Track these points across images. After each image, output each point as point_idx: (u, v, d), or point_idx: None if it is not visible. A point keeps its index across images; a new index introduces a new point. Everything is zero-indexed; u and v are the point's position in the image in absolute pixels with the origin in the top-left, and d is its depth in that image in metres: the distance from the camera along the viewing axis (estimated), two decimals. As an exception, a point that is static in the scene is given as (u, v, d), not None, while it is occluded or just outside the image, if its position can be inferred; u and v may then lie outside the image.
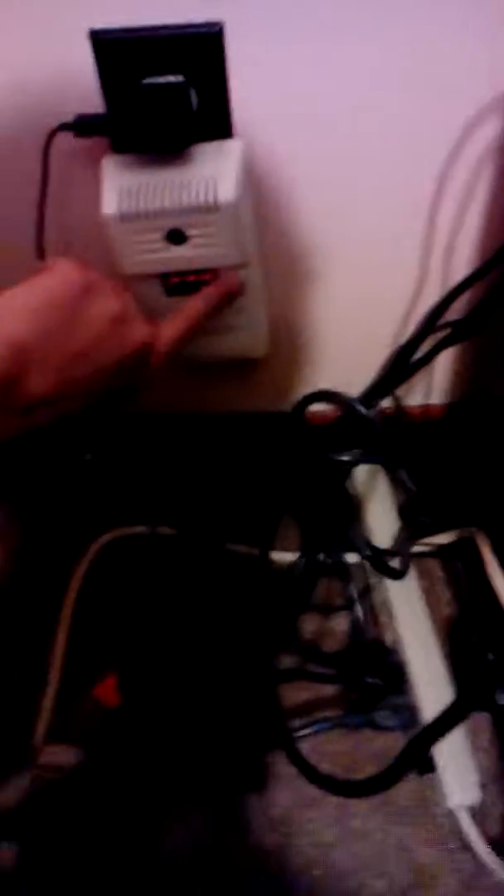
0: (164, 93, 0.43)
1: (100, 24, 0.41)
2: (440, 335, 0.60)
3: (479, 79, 0.45)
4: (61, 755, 0.58)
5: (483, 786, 0.54)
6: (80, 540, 0.70)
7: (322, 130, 0.48)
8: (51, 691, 0.62)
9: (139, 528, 0.71)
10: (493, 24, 0.43)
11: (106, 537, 0.70)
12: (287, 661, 0.63)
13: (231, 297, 0.50)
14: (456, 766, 0.54)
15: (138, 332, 0.42)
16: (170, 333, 0.45)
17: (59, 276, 0.38)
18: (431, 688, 0.57)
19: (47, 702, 0.61)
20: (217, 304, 0.49)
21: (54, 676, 0.62)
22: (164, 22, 0.42)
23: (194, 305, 0.47)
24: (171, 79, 0.43)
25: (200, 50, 0.43)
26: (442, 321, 0.58)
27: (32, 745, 0.59)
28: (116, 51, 0.42)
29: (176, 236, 0.46)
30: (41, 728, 0.60)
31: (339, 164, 0.50)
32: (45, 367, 0.36)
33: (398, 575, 0.55)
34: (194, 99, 0.44)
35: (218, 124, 0.46)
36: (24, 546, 0.72)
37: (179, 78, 0.43)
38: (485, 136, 0.48)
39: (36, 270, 0.39)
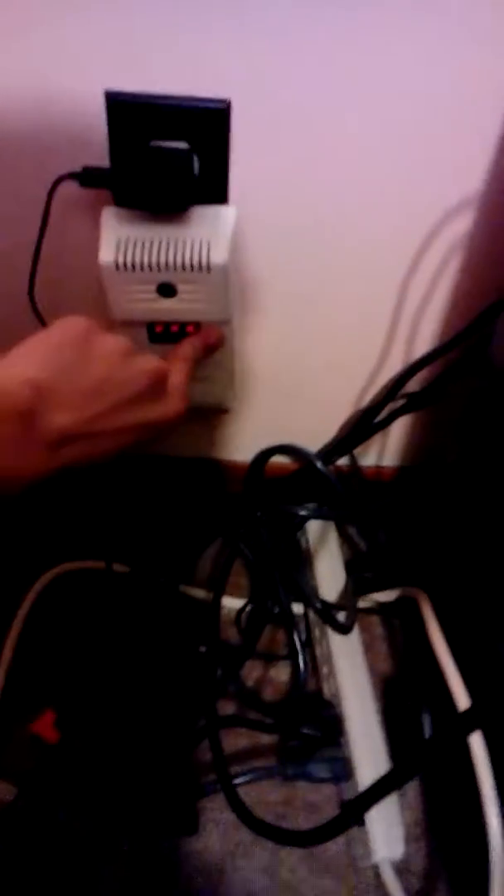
0: (168, 156, 0.46)
1: (116, 86, 0.44)
2: (399, 403, 0.64)
3: (444, 178, 0.50)
4: (-7, 790, 0.57)
5: (407, 840, 0.56)
6: (29, 571, 0.70)
7: (303, 207, 0.51)
8: (-13, 724, 0.61)
9: (91, 563, 0.71)
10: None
11: (56, 570, 0.70)
12: (228, 708, 0.64)
13: (212, 350, 0.53)
14: (383, 820, 0.56)
15: (148, 363, 0.43)
16: (180, 372, 0.47)
17: (66, 323, 0.40)
18: (366, 742, 0.59)
19: (-18, 735, 0.60)
20: (201, 356, 0.51)
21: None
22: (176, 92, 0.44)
23: (185, 353, 0.49)
24: (177, 144, 0.46)
25: (207, 122, 0.46)
26: (402, 391, 0.62)
27: (-36, 778, 0.57)
28: (128, 112, 0.45)
29: (167, 290, 0.49)
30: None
31: (319, 236, 0.53)
32: (64, 401, 0.38)
33: (345, 629, 0.57)
34: (196, 165, 0.46)
35: (216, 190, 0.48)
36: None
37: (184, 145, 0.46)
38: (453, 231, 0.52)
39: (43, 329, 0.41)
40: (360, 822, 0.56)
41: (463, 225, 0.52)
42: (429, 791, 0.60)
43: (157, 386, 0.44)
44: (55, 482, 0.38)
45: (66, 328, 0.40)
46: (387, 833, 0.55)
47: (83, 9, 0.42)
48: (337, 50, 0.43)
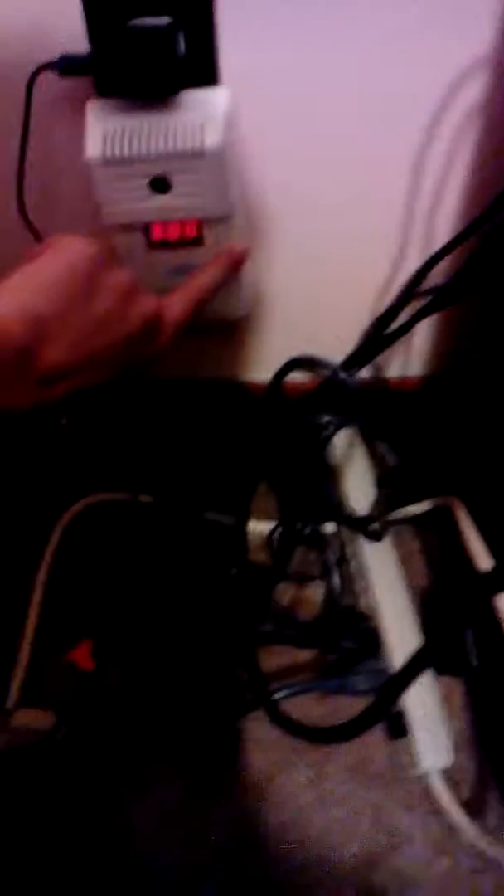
0: (150, 35, 0.42)
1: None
2: (421, 304, 0.60)
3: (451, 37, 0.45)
4: (34, 718, 0.57)
5: (455, 749, 0.55)
6: (55, 505, 0.70)
7: (307, 85, 0.48)
8: (24, 655, 0.61)
9: (115, 495, 0.70)
10: None
11: (82, 503, 0.69)
12: (264, 628, 0.63)
13: (235, 271, 0.50)
14: (428, 729, 0.54)
15: (147, 304, 0.42)
16: (177, 310, 0.45)
17: (73, 251, 0.38)
18: (406, 652, 0.57)
19: (21, 665, 0.60)
20: (222, 280, 0.49)
21: (28, 640, 0.62)
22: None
23: (199, 282, 0.47)
24: (158, 21, 0.42)
25: (188, -8, 0.42)
26: (423, 288, 0.59)
27: (5, 708, 0.58)
28: (102, -10, 0.42)
29: (160, 184, 0.46)
30: (14, 691, 0.59)
31: (326, 115, 0.49)
32: (61, 340, 0.36)
33: (376, 536, 0.55)
34: (181, 44, 0.43)
35: (204, 70, 0.45)
36: (1, 508, 0.71)
37: (166, 20, 0.42)
38: (466, 99, 0.48)
39: (43, 245, 0.39)
40: (404, 732, 0.55)
41: (475, 91, 0.48)
42: (475, 699, 0.58)
43: (151, 328, 0.43)
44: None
45: (73, 258, 0.38)
46: (433, 741, 0.54)
47: None
48: None
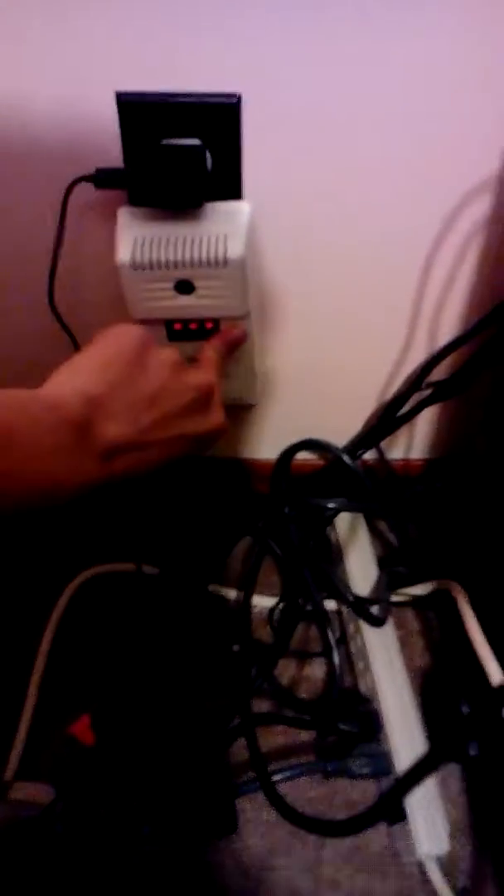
0: (181, 153, 0.46)
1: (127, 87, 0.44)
2: (424, 393, 0.63)
3: (460, 163, 0.49)
4: (33, 792, 0.57)
5: (452, 837, 0.55)
6: (60, 575, 0.71)
7: (323, 198, 0.51)
8: (24, 727, 0.61)
9: (121, 566, 0.71)
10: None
11: (87, 574, 0.71)
12: (263, 706, 0.63)
13: (235, 348, 0.53)
14: (426, 816, 0.55)
15: (199, 376, 0.44)
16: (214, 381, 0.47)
17: (119, 334, 0.41)
18: (405, 736, 0.58)
19: (20, 737, 0.61)
20: (226, 356, 0.52)
21: (28, 712, 0.62)
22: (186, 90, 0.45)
23: (211, 359, 0.50)
24: (189, 141, 0.46)
25: (218, 117, 0.46)
26: (427, 381, 0.61)
27: (4, 780, 0.58)
28: (139, 112, 0.45)
29: (184, 286, 0.49)
30: (13, 763, 0.59)
31: (338, 229, 0.53)
32: (117, 414, 0.39)
33: (378, 622, 0.56)
34: (209, 161, 0.47)
35: (230, 186, 0.49)
36: (4, 578, 0.72)
37: (197, 141, 0.46)
38: (472, 214, 0.52)
39: (93, 336, 0.42)
40: (402, 818, 0.55)
41: (480, 210, 0.51)
42: (472, 787, 0.58)
43: (204, 398, 0.45)
44: (104, 491, 0.39)
45: (121, 341, 0.41)
46: (430, 828, 0.54)
47: (87, 15, 0.42)
48: (343, 38, 0.43)
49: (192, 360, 0.48)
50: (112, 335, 0.42)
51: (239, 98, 0.45)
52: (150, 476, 0.42)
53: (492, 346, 0.58)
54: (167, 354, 0.43)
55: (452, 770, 0.59)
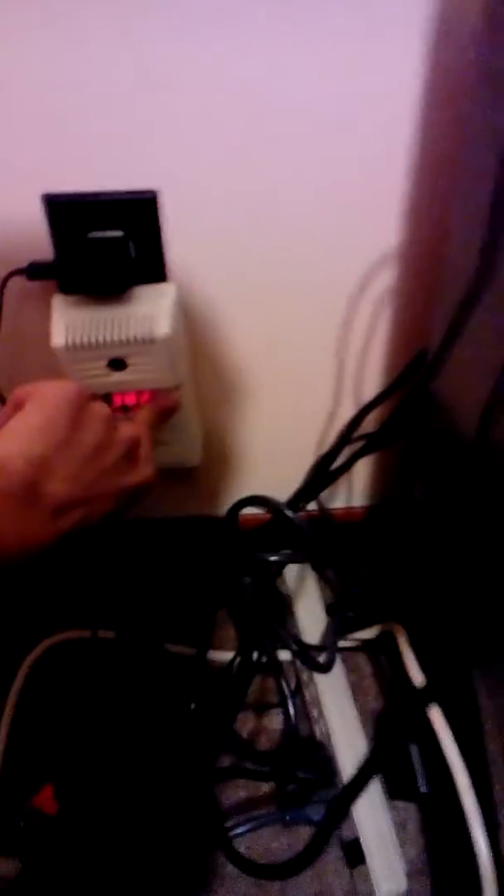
0: (106, 244, 0.50)
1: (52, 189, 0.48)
2: (357, 445, 0.67)
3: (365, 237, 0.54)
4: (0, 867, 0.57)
5: (410, 875, 0.57)
6: (17, 646, 0.72)
7: (243, 272, 0.56)
8: (-12, 801, 0.61)
9: (78, 633, 0.72)
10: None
11: (45, 643, 0.72)
12: (224, 761, 0.65)
13: (168, 415, 0.56)
14: (383, 856, 0.57)
15: (126, 429, 0.46)
16: (144, 442, 0.49)
17: (55, 394, 0.43)
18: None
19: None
20: (158, 421, 0.54)
21: (-9, 785, 0.62)
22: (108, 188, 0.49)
23: (144, 420, 0.52)
24: (113, 233, 0.50)
25: (139, 210, 0.50)
26: (357, 433, 0.65)
27: (-33, 858, 0.58)
28: (66, 210, 0.49)
29: (117, 363, 0.52)
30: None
31: (259, 300, 0.57)
32: (61, 471, 0.40)
33: (324, 668, 0.59)
34: (133, 249, 0.51)
35: (154, 270, 0.53)
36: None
37: (119, 233, 0.50)
38: (381, 282, 0.57)
39: (22, 393, 0.43)
40: (362, 860, 0.57)
41: (387, 278, 0.56)
42: (428, 826, 0.60)
43: (132, 452, 0.47)
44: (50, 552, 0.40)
45: (57, 400, 0.42)
46: (387, 868, 0.56)
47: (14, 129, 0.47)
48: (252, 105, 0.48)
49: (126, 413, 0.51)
50: (48, 395, 0.43)
51: (155, 193, 0.49)
52: (91, 533, 0.44)
53: (413, 398, 0.62)
54: (100, 409, 0.44)
55: (409, 810, 0.61)
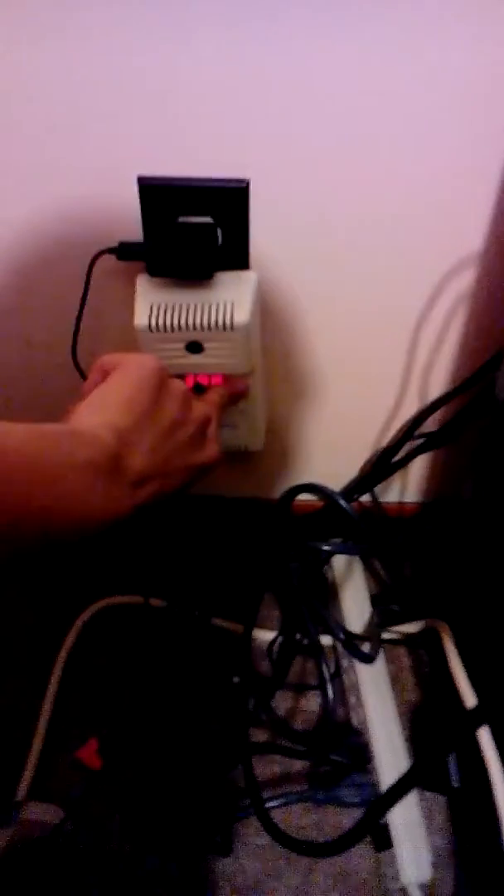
0: (195, 230, 0.51)
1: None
2: (417, 442, 0.67)
3: (447, 239, 0.54)
4: (42, 813, 0.61)
5: (435, 865, 0.59)
6: (71, 606, 0.75)
7: (322, 268, 0.56)
8: (35, 750, 0.65)
9: (130, 598, 0.75)
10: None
11: (97, 605, 0.75)
12: (261, 736, 0.67)
13: (237, 399, 0.57)
14: (411, 843, 0.58)
15: (200, 408, 0.48)
16: (213, 423, 0.51)
17: (138, 368, 0.44)
18: (392, 768, 0.62)
19: (31, 760, 0.64)
20: (228, 404, 0.56)
21: (39, 735, 0.66)
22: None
23: (214, 401, 0.53)
24: (202, 219, 0.51)
25: (229, 200, 0.51)
26: (418, 431, 0.66)
27: (15, 801, 0.62)
28: (158, 194, 0.51)
29: (195, 347, 0.54)
30: (24, 786, 0.63)
31: (335, 296, 0.58)
32: (142, 445, 0.42)
33: (368, 659, 0.60)
34: (220, 237, 0.52)
35: (238, 257, 0.54)
36: (16, 608, 0.77)
37: (209, 220, 0.51)
38: (457, 284, 0.57)
39: (107, 364, 0.45)
40: (389, 845, 0.59)
41: (467, 279, 0.56)
42: (456, 817, 0.61)
43: (203, 431, 0.49)
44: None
45: (141, 374, 0.44)
46: (414, 856, 0.58)
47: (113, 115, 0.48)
48: (344, 110, 0.49)
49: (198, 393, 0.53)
50: (131, 369, 0.44)
51: (247, 183, 0.50)
52: (165, 506, 0.45)
53: (478, 401, 0.62)
54: (178, 386, 0.46)
55: (438, 801, 0.63)
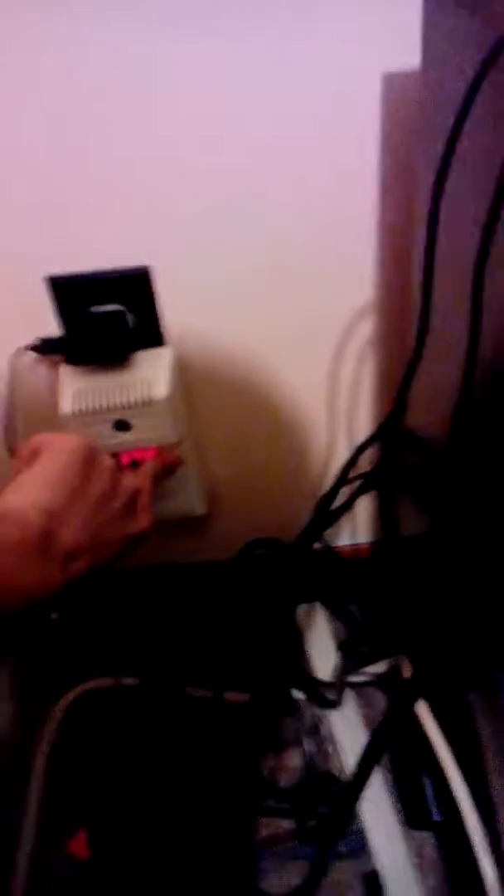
0: (106, 318, 0.55)
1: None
2: (355, 485, 0.70)
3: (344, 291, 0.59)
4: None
5: (432, 905, 0.58)
6: (47, 696, 0.75)
7: (236, 333, 0.60)
8: (26, 846, 0.63)
9: (102, 682, 0.75)
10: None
11: (73, 693, 0.75)
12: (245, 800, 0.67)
13: (171, 469, 0.60)
14: (402, 888, 0.58)
15: (128, 481, 0.50)
16: (144, 493, 0.52)
17: (65, 448, 0.46)
18: (375, 813, 0.62)
19: (22, 856, 0.63)
20: (161, 475, 0.58)
21: (28, 831, 0.64)
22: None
23: (146, 474, 0.54)
24: (112, 307, 0.55)
25: (134, 285, 0.55)
26: (354, 474, 0.69)
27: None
28: (69, 290, 0.54)
29: (122, 425, 0.57)
30: (18, 883, 0.61)
31: (251, 355, 0.62)
32: (72, 521, 0.43)
33: (332, 704, 0.61)
34: (131, 320, 0.56)
35: (152, 336, 0.58)
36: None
37: (118, 306, 0.55)
38: (362, 329, 0.61)
39: (34, 445, 0.47)
40: (380, 893, 0.58)
41: (367, 326, 0.60)
42: (446, 853, 0.61)
43: (135, 501, 0.50)
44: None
45: (68, 450, 0.45)
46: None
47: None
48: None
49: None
50: (58, 448, 0.46)
51: (147, 268, 0.55)
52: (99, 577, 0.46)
53: (403, 437, 0.65)
54: (105, 461, 0.48)
55: (426, 839, 0.62)
